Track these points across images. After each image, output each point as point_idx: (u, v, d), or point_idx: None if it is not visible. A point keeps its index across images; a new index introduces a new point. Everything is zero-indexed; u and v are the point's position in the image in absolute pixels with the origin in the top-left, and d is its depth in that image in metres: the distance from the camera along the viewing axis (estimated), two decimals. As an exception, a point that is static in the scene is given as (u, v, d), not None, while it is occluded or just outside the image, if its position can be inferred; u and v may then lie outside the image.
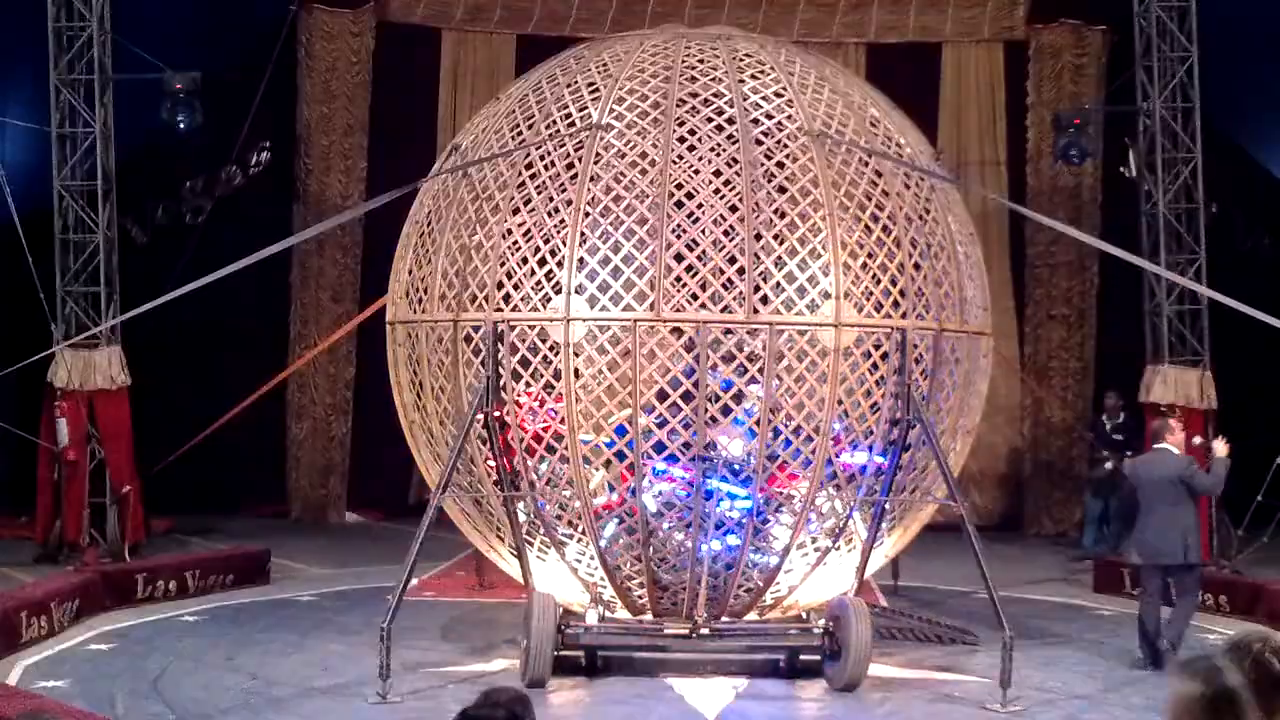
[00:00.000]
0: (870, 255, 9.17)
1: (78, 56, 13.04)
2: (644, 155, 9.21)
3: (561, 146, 9.25)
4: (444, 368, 9.40)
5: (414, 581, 8.91)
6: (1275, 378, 14.73)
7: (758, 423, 8.90)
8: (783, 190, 9.51)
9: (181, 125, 13.24)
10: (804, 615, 9.68)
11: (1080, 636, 10.74)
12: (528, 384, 9.06)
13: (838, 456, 9.23)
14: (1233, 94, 14.41)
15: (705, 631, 8.88)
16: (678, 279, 9.28)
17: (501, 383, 8.94)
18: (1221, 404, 13.54)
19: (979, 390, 9.81)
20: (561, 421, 8.92)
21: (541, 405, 9.15)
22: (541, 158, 9.27)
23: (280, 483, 16.38)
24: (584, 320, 8.95)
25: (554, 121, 9.39)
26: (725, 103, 9.32)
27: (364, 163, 16.36)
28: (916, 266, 9.26)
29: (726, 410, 9.07)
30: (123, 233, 13.68)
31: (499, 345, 8.93)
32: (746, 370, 9.20)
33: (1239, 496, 12.32)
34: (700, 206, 9.26)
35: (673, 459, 9.11)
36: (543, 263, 9.04)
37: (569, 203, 9.03)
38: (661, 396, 8.95)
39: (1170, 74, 13.88)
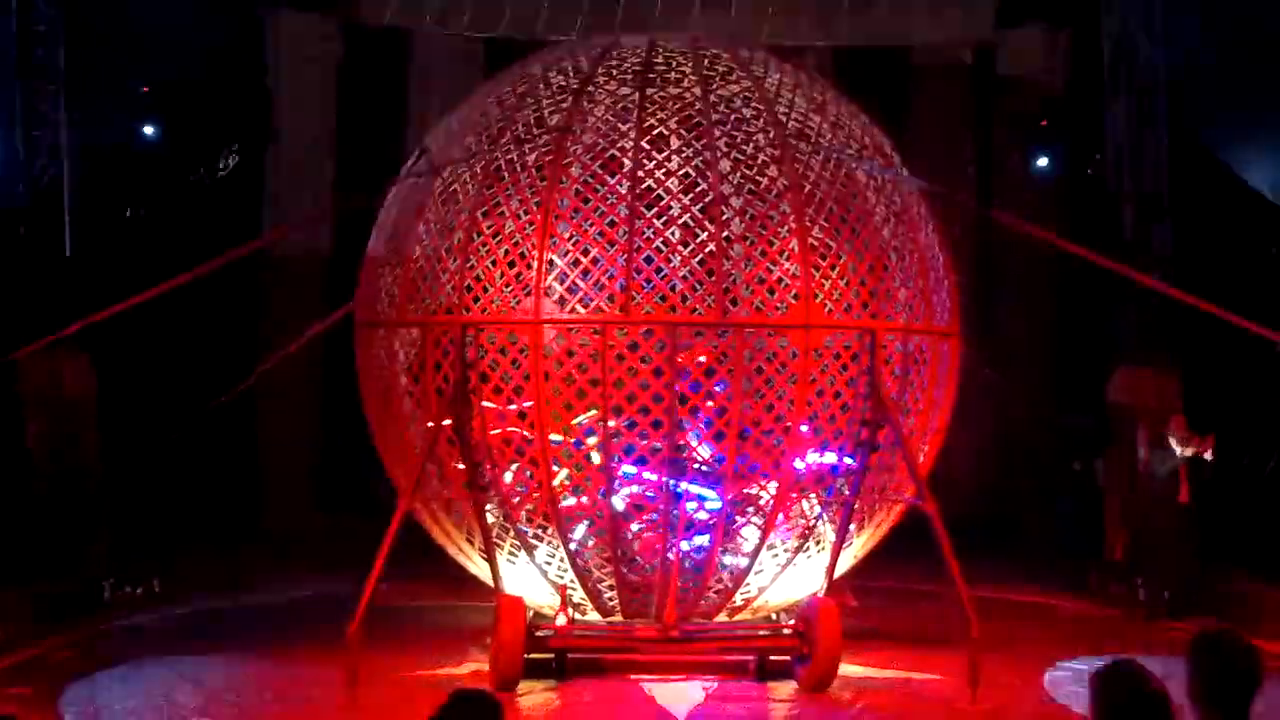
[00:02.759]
0: (839, 257, 9.20)
1: (42, 61, 12.93)
2: (613, 158, 9.22)
3: (532, 150, 9.25)
4: (412, 370, 9.38)
5: (382, 586, 8.85)
6: (1242, 380, 14.84)
7: (727, 424, 8.91)
8: (752, 192, 9.55)
9: (147, 131, 13.17)
10: (774, 616, 9.71)
11: (1049, 635, 10.78)
12: (497, 388, 9.05)
13: (807, 457, 9.25)
14: (1201, 96, 14.53)
15: (675, 633, 8.88)
16: (647, 281, 9.30)
17: (471, 385, 8.92)
18: (1187, 404, 13.63)
19: (947, 391, 9.84)
20: (531, 425, 8.90)
21: (508, 409, 9.13)
22: (511, 161, 9.26)
23: (250, 487, 16.27)
24: (553, 322, 8.94)
25: (523, 125, 9.38)
26: (695, 107, 9.34)
27: (333, 166, 16.29)
28: (885, 268, 9.30)
29: (695, 412, 9.08)
30: None
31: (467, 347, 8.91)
32: (715, 372, 9.22)
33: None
34: (670, 209, 9.29)
35: (642, 461, 9.11)
36: (511, 265, 9.03)
37: (539, 204, 9.02)
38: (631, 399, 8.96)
39: (1137, 77, 13.98)
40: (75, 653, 9.76)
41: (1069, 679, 9.26)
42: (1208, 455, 11.53)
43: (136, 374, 14.91)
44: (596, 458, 9.06)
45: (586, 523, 9.20)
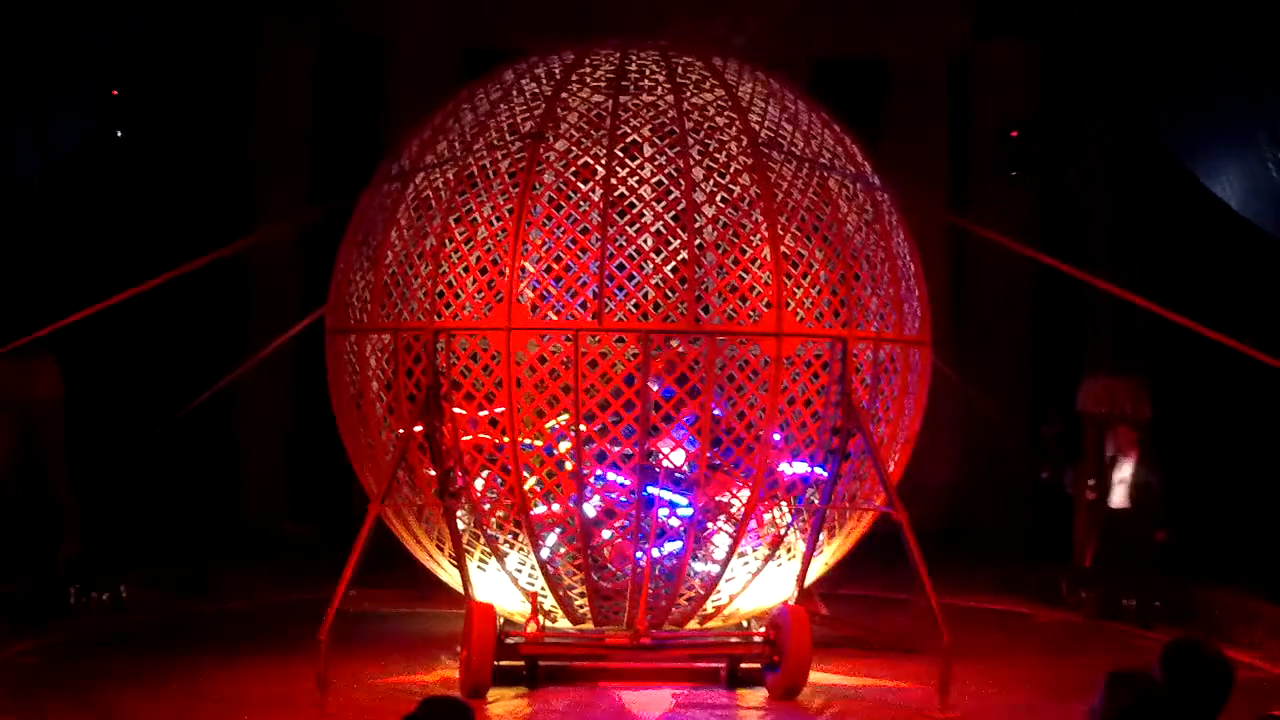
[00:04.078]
0: (811, 265, 9.24)
1: (16, 60, 12.84)
2: (586, 165, 9.24)
3: (504, 156, 9.25)
4: (383, 377, 9.36)
5: (352, 592, 8.83)
6: (1212, 389, 14.95)
7: (699, 431, 8.92)
8: (725, 201, 9.58)
9: (119, 134, 13.10)
10: (745, 624, 9.72)
11: (1019, 644, 10.83)
12: (468, 394, 9.04)
13: (778, 467, 9.27)
14: (1175, 107, 14.62)
15: (646, 640, 8.87)
16: (619, 288, 9.32)
17: (442, 392, 8.90)
18: (1156, 414, 13.73)
19: (918, 399, 9.88)
20: (502, 432, 8.90)
21: (479, 416, 9.11)
22: (484, 167, 9.26)
23: (222, 492, 16.19)
24: (525, 329, 8.94)
25: (496, 131, 9.39)
26: (667, 114, 9.36)
27: (306, 170, 16.25)
28: (857, 277, 9.33)
29: (668, 419, 9.09)
30: None
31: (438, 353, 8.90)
32: (687, 379, 9.23)
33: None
34: (642, 216, 9.31)
35: (614, 467, 9.12)
36: (484, 271, 9.03)
37: (511, 211, 9.02)
38: (604, 405, 8.96)
39: (1110, 87, 14.07)
40: (39, 659, 9.68)
41: (1039, 687, 9.31)
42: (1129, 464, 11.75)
43: (106, 378, 14.83)
44: (569, 464, 9.05)
45: (558, 530, 9.20)
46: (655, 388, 9.08)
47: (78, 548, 13.00)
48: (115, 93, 12.96)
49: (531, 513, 8.95)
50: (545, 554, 9.04)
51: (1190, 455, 13.82)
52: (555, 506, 9.12)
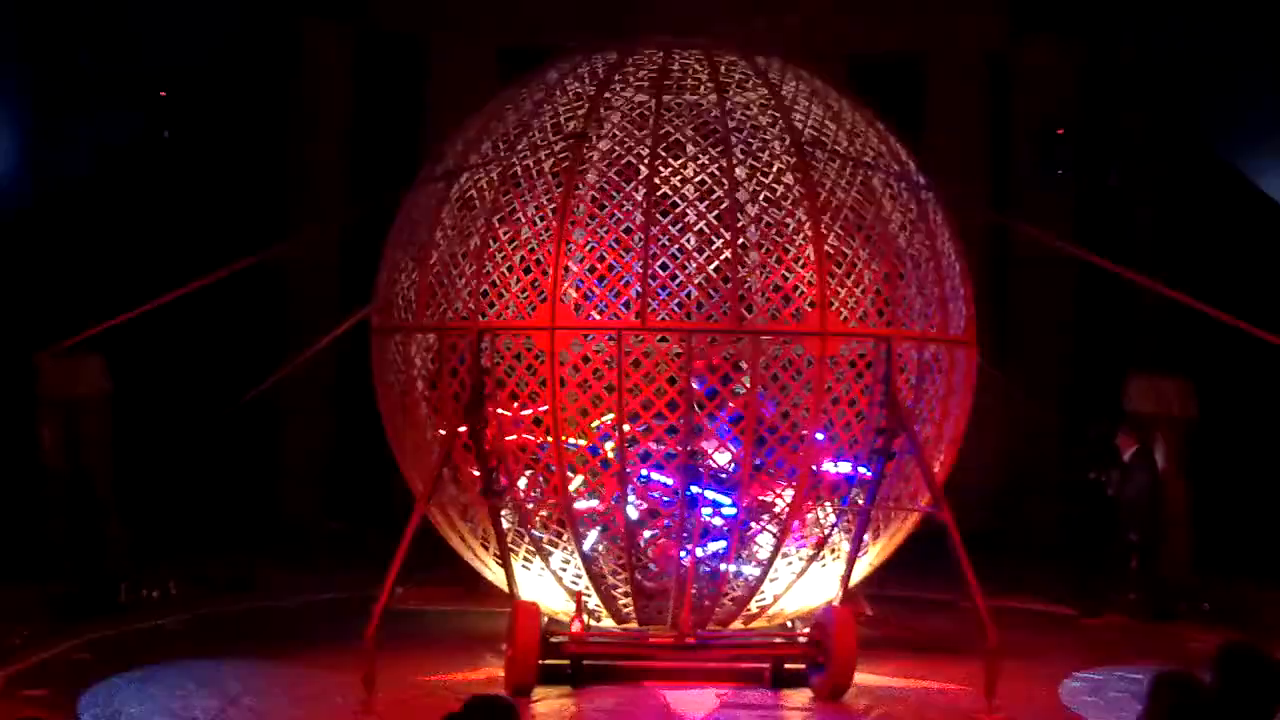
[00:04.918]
0: (854, 264, 9.21)
1: (62, 59, 12.98)
2: (629, 164, 9.24)
3: (548, 156, 9.27)
4: (428, 376, 9.39)
5: (398, 591, 8.87)
6: (1259, 388, 14.81)
7: (742, 430, 8.91)
8: (768, 200, 9.56)
9: (165, 134, 13.22)
10: (789, 624, 9.70)
11: (1065, 646, 10.75)
12: (512, 394, 9.06)
13: (822, 466, 9.25)
14: (1217, 105, 14.50)
15: (690, 640, 8.87)
16: (662, 287, 9.32)
17: (487, 391, 8.93)
18: (1203, 414, 13.61)
19: (963, 399, 9.83)
20: (547, 431, 8.91)
21: (523, 415, 9.13)
22: (527, 167, 9.28)
23: (268, 490, 16.30)
24: (569, 328, 8.95)
25: (540, 131, 9.40)
26: (710, 113, 9.35)
27: (349, 170, 16.33)
28: (901, 276, 9.29)
29: (711, 418, 9.09)
30: None
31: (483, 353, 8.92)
32: (731, 379, 9.23)
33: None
34: (685, 215, 9.31)
35: (658, 467, 9.12)
36: (527, 271, 9.05)
37: (554, 211, 9.04)
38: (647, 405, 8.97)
39: (1153, 86, 13.97)
40: (92, 655, 9.78)
41: (1084, 689, 9.25)
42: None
43: (153, 376, 14.96)
44: (612, 463, 9.06)
45: (600, 528, 9.21)
46: (698, 387, 9.08)
47: (122, 537, 13.08)
48: (163, 94, 13.06)
49: (574, 505, 8.96)
50: (587, 547, 9.05)
51: (1237, 454, 13.69)
52: (596, 502, 9.13)
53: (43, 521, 12.75)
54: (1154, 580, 11.98)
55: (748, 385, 9.09)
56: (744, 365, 9.21)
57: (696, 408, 8.94)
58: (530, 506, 9.18)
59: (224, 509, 15.98)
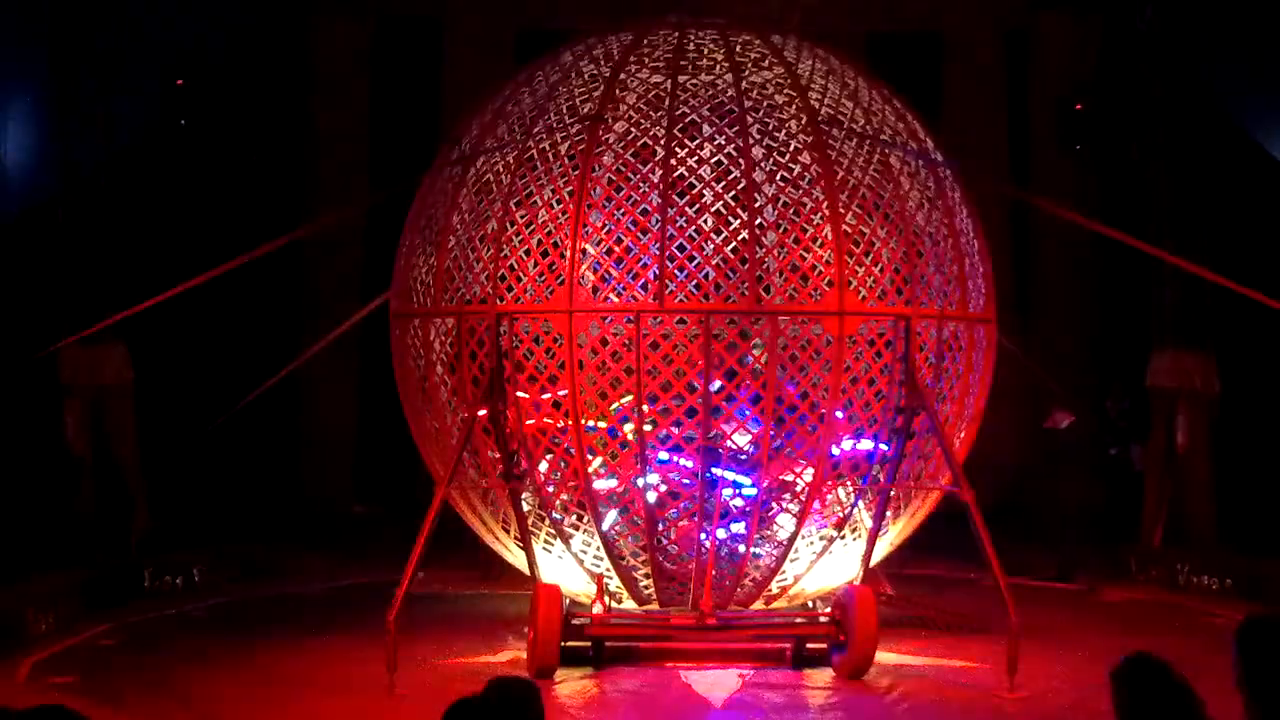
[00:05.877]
0: (873, 243, 9.18)
1: (81, 50, 13.00)
2: (645, 146, 9.23)
3: (564, 138, 9.26)
4: (447, 360, 9.42)
5: (420, 574, 8.92)
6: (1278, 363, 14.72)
7: (762, 410, 8.91)
8: (785, 180, 9.54)
9: (181, 122, 13.25)
10: (810, 604, 9.71)
11: (1087, 623, 10.74)
12: (531, 377, 9.08)
13: (841, 445, 9.25)
14: (1239, 78, 14.37)
15: (711, 621, 8.89)
16: (680, 269, 9.32)
17: (505, 375, 8.95)
18: (1225, 388, 13.54)
19: (983, 377, 9.80)
20: (566, 414, 8.93)
21: (542, 398, 9.15)
22: (543, 150, 9.28)
23: (289, 476, 16.38)
24: (587, 311, 8.96)
25: (555, 113, 9.40)
26: (726, 93, 9.33)
27: (366, 155, 16.35)
28: (920, 254, 9.27)
29: (730, 399, 9.09)
30: None
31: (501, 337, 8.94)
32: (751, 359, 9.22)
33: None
34: (702, 196, 9.30)
35: (676, 449, 9.13)
36: (545, 254, 9.06)
37: (571, 194, 9.04)
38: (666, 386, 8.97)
39: (1173, 59, 13.83)
40: (117, 641, 9.86)
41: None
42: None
43: (175, 363, 15.03)
44: (631, 444, 9.07)
45: (619, 510, 9.23)
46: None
47: (149, 525, 13.19)
48: (180, 82, 13.09)
49: (593, 485, 8.98)
50: (606, 526, 9.07)
51: (1261, 429, 13.61)
52: (615, 482, 9.14)
53: (67, 509, 12.85)
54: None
55: (755, 355, 9.09)
56: (750, 332, 9.19)
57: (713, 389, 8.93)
58: (551, 489, 9.20)
59: (248, 494, 16.07)
